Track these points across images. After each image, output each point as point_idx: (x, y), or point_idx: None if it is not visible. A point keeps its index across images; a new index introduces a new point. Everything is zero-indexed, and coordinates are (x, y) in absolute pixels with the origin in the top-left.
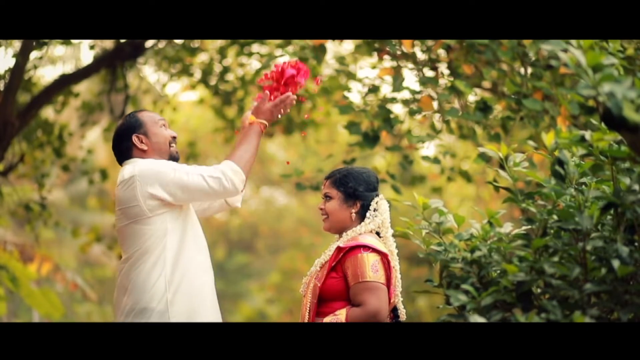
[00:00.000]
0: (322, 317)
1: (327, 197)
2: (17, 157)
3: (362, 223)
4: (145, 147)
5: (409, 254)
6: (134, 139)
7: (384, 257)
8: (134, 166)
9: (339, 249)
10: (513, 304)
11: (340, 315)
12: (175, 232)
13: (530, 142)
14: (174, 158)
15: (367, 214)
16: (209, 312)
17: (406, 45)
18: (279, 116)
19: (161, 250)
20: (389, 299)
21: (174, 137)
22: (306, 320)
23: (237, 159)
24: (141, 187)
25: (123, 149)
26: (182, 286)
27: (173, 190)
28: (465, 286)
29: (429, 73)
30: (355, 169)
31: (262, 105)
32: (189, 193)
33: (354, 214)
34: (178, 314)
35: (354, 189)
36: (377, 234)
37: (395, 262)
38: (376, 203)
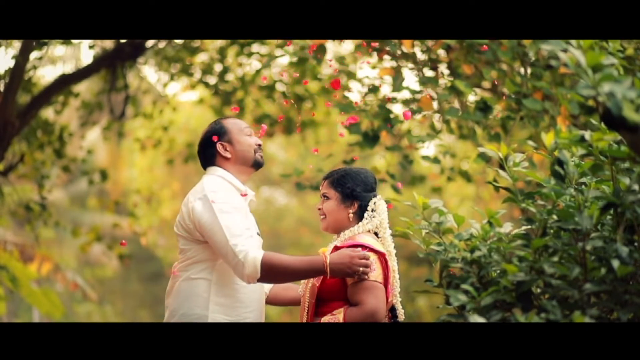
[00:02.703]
0: (321, 317)
1: (325, 197)
2: (17, 157)
3: (360, 223)
4: (228, 155)
5: (409, 254)
6: (218, 146)
7: (381, 256)
8: (203, 191)
9: (336, 248)
10: (513, 304)
11: (338, 315)
12: (224, 264)
13: (530, 142)
14: (258, 164)
15: (365, 215)
16: None
17: (406, 45)
18: (346, 272)
19: (209, 271)
20: (387, 298)
21: (259, 145)
22: (304, 321)
23: (274, 261)
24: (197, 217)
25: (208, 155)
26: (226, 311)
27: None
28: (465, 286)
29: (429, 73)
30: (353, 170)
31: (344, 250)
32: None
33: (351, 214)
34: None
35: (352, 190)
36: (376, 234)
37: (393, 263)
38: (374, 203)
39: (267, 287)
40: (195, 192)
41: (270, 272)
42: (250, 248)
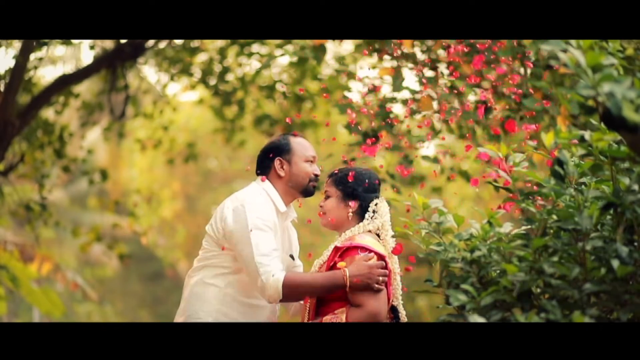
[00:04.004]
0: (322, 317)
1: (327, 195)
2: (17, 157)
3: (361, 223)
4: (282, 174)
5: (408, 254)
6: (276, 162)
7: (380, 258)
8: (242, 200)
9: (336, 248)
10: (513, 304)
11: (340, 315)
12: (243, 275)
13: (530, 142)
14: (308, 193)
15: (366, 215)
16: None
17: (406, 45)
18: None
19: (222, 279)
20: (388, 299)
21: (317, 175)
22: (306, 321)
23: (295, 281)
24: (228, 225)
25: (264, 165)
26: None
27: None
28: (465, 286)
29: (428, 73)
30: (357, 170)
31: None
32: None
33: (351, 214)
34: None
35: (353, 189)
36: (378, 235)
37: (394, 265)
38: (375, 205)
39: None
40: (234, 198)
41: (292, 293)
42: (274, 270)
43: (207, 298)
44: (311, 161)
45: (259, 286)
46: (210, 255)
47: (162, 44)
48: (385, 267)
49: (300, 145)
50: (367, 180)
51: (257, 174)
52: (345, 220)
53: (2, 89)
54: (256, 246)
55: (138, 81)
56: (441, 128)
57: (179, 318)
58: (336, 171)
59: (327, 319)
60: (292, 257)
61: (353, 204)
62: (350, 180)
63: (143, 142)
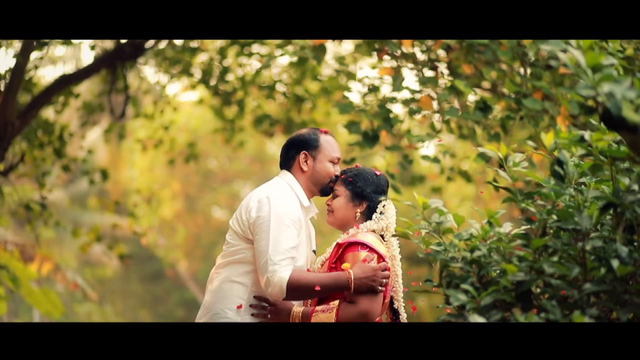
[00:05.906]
0: (315, 306)
1: (335, 194)
2: (17, 157)
3: (366, 223)
4: (305, 168)
5: (409, 254)
6: (301, 155)
7: (381, 257)
8: (268, 193)
9: (338, 245)
10: (512, 304)
11: (333, 307)
12: None
13: (530, 142)
14: (325, 192)
15: (373, 216)
16: None
17: (406, 45)
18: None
19: (250, 276)
20: (384, 299)
21: (337, 177)
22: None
23: (300, 282)
24: (253, 215)
25: (288, 156)
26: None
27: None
28: (464, 286)
29: (428, 73)
30: (367, 170)
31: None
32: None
33: (359, 214)
34: None
35: (362, 189)
36: (382, 236)
37: (397, 267)
38: (383, 206)
39: None
40: (260, 191)
41: (296, 292)
42: (281, 269)
43: (234, 297)
44: (335, 162)
45: (263, 282)
46: (234, 250)
47: (162, 44)
48: (387, 269)
49: (329, 144)
50: (376, 182)
51: (281, 168)
52: (353, 219)
53: (2, 89)
54: (274, 240)
55: (138, 81)
56: (441, 128)
57: (202, 317)
58: (345, 171)
59: (320, 309)
60: (314, 252)
61: (362, 205)
62: (359, 181)
63: (143, 142)
